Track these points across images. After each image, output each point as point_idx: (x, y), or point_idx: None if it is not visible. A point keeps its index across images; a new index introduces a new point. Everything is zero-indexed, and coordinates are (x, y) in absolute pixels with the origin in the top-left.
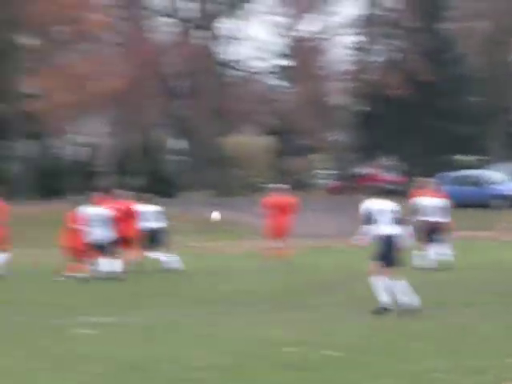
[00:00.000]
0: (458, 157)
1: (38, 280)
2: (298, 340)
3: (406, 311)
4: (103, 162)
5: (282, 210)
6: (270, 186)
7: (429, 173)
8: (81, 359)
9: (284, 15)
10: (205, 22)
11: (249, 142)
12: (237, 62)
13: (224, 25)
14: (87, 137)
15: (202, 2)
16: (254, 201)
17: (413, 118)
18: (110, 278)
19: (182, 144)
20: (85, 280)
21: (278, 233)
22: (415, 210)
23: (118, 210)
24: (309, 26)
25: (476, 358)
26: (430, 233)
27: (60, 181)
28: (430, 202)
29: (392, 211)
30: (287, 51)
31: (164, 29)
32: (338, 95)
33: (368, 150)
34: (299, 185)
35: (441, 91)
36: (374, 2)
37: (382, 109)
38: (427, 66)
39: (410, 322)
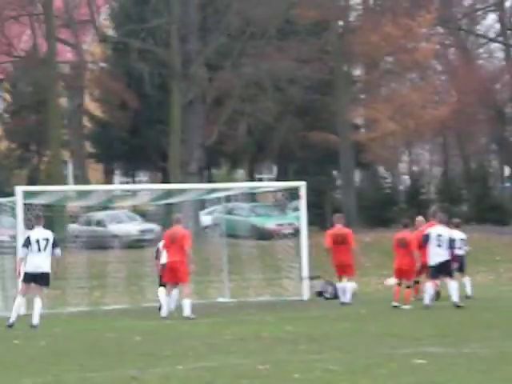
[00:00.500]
0: None
1: (381, 308)
2: None
3: None
4: (428, 189)
5: None
6: None
7: None
8: None
9: None
10: None
11: None
12: None
13: None
14: (413, 165)
15: None
16: None
17: None
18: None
19: None
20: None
21: None
22: None
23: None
24: None
25: None
26: None
27: (389, 210)
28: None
29: None
30: None
31: (495, 54)
32: None
33: None
34: None
35: None
36: None
37: None
38: None
39: None
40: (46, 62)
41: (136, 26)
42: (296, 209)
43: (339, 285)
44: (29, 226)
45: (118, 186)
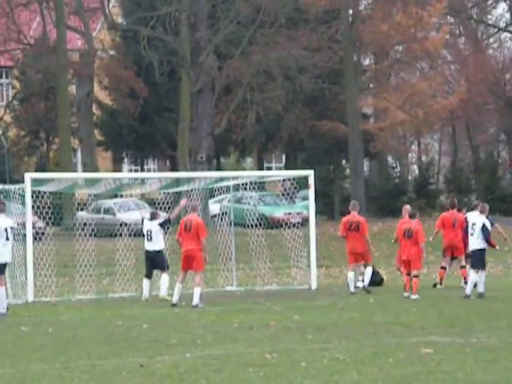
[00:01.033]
0: None
1: (389, 298)
2: None
3: None
4: (437, 180)
5: None
6: None
7: None
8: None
9: None
10: None
11: None
12: None
13: None
14: (422, 155)
15: None
16: None
17: None
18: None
19: None
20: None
21: None
22: None
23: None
24: None
25: None
26: None
27: (397, 200)
28: None
29: None
30: None
31: (505, 44)
32: None
33: None
34: None
35: None
36: None
37: None
38: None
39: None
40: (56, 50)
41: (146, 14)
42: (304, 198)
43: (349, 274)
44: None
45: (126, 174)
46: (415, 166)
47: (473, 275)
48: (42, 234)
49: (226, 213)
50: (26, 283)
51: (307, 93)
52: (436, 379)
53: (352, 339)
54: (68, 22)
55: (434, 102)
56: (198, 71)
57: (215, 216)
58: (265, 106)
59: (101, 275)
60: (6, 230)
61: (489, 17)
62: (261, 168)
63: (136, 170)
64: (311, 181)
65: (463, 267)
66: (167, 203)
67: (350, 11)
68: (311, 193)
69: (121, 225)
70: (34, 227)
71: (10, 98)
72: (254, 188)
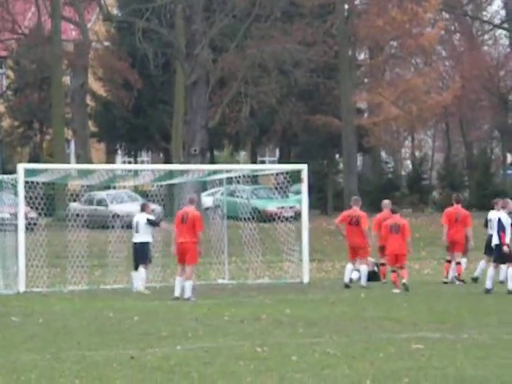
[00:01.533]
0: None
1: (380, 293)
2: None
3: None
4: (430, 175)
5: None
6: None
7: None
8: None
9: None
10: None
11: None
12: None
13: None
14: (415, 150)
15: None
16: None
17: None
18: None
19: None
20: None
21: None
22: None
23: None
24: None
25: None
26: None
27: (390, 195)
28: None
29: None
30: None
31: (500, 41)
32: None
33: None
34: None
35: None
36: None
37: None
38: None
39: None
40: (50, 40)
41: (141, 6)
42: (297, 192)
43: (348, 265)
44: None
45: (119, 165)
46: (408, 162)
47: (490, 270)
48: (34, 224)
49: (219, 206)
50: (18, 273)
51: (301, 87)
52: (426, 374)
53: (343, 334)
54: (63, 12)
55: (428, 97)
56: (193, 64)
57: (208, 209)
58: (259, 99)
59: (93, 266)
60: None
61: (484, 13)
62: (254, 161)
63: (129, 162)
64: (304, 175)
65: (458, 263)
66: (160, 195)
67: (346, 6)
68: (304, 187)
69: (113, 216)
70: (26, 218)
71: (4, 88)
72: (247, 181)
